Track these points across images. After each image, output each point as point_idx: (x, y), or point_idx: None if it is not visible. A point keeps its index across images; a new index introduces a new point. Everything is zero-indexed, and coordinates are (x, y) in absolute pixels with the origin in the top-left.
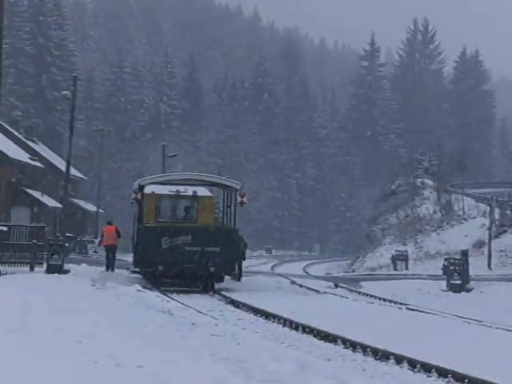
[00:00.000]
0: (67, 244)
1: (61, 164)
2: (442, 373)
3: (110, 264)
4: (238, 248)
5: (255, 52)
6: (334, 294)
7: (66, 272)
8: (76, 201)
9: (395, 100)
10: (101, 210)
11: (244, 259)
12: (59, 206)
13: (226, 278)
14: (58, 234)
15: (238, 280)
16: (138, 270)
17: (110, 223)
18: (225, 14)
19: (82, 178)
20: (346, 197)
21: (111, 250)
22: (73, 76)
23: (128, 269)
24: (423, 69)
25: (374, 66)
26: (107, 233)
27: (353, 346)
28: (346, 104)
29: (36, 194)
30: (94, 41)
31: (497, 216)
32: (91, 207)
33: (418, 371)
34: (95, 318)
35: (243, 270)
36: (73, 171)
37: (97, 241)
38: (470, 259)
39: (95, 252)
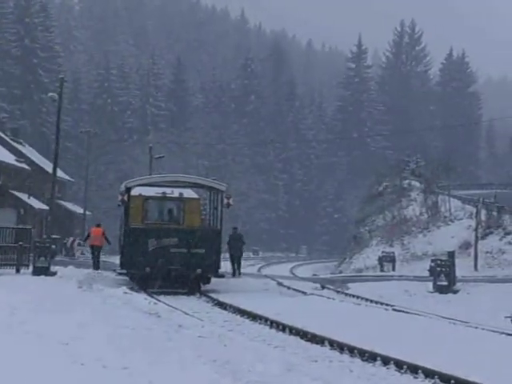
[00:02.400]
0: (54, 246)
1: (47, 166)
2: (429, 374)
3: (95, 263)
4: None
5: (242, 54)
6: (320, 296)
7: (53, 274)
8: (63, 203)
9: (382, 102)
10: (88, 212)
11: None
12: (46, 207)
13: (213, 279)
14: (45, 236)
15: (239, 275)
16: (124, 271)
17: (98, 226)
18: (212, 16)
19: (68, 180)
20: (333, 198)
21: (96, 250)
22: (59, 78)
23: (115, 271)
24: (410, 70)
25: (361, 67)
26: (94, 233)
27: (340, 347)
28: (333, 106)
29: (23, 196)
30: (81, 42)
31: (483, 217)
32: (78, 209)
33: (405, 372)
34: (82, 320)
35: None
36: (59, 173)
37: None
38: (457, 260)
39: (82, 254)
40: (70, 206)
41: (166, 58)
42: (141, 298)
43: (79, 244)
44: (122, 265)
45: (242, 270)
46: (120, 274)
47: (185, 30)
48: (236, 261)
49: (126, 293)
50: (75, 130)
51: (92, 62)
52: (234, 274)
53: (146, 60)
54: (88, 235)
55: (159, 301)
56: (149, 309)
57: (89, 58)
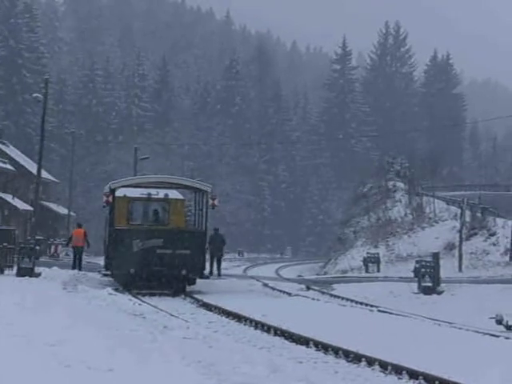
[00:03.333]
0: (38, 247)
1: (32, 167)
2: (413, 374)
3: (77, 264)
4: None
5: (227, 55)
6: (305, 297)
7: (37, 275)
8: (47, 204)
9: (367, 103)
10: (72, 213)
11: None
12: (30, 208)
13: (198, 280)
14: (29, 237)
15: (219, 276)
16: (109, 272)
17: (79, 226)
18: (197, 17)
19: (53, 181)
20: (318, 199)
21: (78, 251)
22: (44, 78)
23: (99, 272)
24: (395, 72)
25: (345, 69)
26: (76, 234)
27: (325, 348)
28: (318, 107)
29: (7, 197)
30: (66, 43)
31: (468, 219)
32: (62, 210)
33: (390, 373)
34: (66, 322)
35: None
36: (44, 174)
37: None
38: (441, 262)
39: (66, 255)
40: (54, 206)
41: (151, 59)
42: (126, 299)
43: (63, 246)
44: (106, 266)
45: (227, 272)
46: (105, 275)
47: (170, 31)
48: (217, 261)
49: (110, 294)
50: (60, 130)
51: (77, 63)
52: (211, 274)
53: (131, 61)
54: (70, 238)
55: (144, 302)
56: (134, 310)
57: (74, 59)
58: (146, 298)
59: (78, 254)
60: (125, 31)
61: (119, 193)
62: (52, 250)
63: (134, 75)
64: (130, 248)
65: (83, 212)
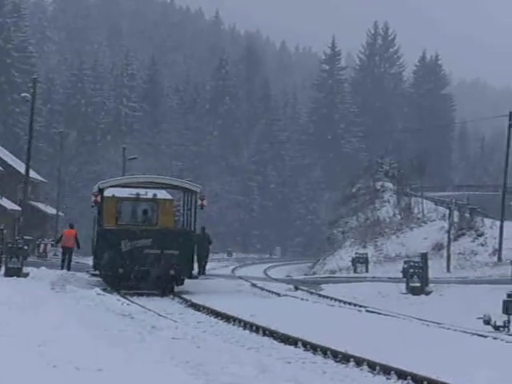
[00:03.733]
0: (26, 247)
1: (20, 166)
2: (402, 375)
3: (65, 264)
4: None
5: (216, 55)
6: (294, 297)
7: (25, 275)
8: (35, 204)
9: (356, 103)
10: (60, 213)
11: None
12: (18, 208)
13: (187, 280)
14: (17, 237)
15: (203, 274)
16: (97, 273)
17: (71, 226)
18: (186, 17)
19: (41, 181)
20: (307, 200)
21: (68, 252)
22: (32, 78)
23: (88, 272)
24: (383, 72)
25: (334, 69)
26: (66, 235)
27: (313, 348)
28: (307, 107)
29: None
30: (54, 43)
31: (456, 219)
32: (51, 210)
33: (378, 373)
34: (55, 322)
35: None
36: (32, 174)
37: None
38: (430, 262)
39: (55, 255)
40: (42, 206)
41: (140, 58)
42: (114, 300)
43: (52, 245)
44: (95, 266)
45: (216, 272)
46: (93, 275)
47: (159, 31)
48: (202, 261)
49: (99, 294)
50: (48, 130)
51: (65, 63)
52: (199, 273)
53: (119, 61)
54: (60, 237)
55: (132, 302)
56: (122, 310)
57: (62, 59)
58: (135, 298)
59: (67, 254)
60: (113, 31)
61: (108, 193)
62: (41, 249)
63: (122, 75)
64: (119, 248)
65: (72, 212)
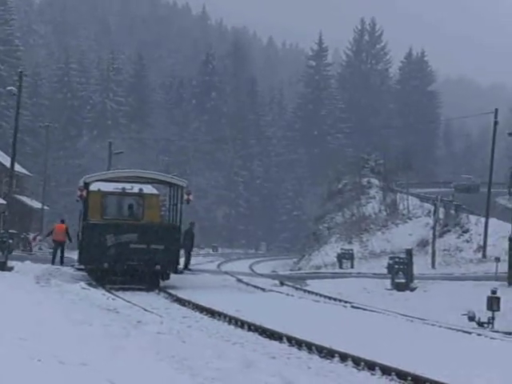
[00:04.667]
0: (11, 241)
1: (5, 160)
2: (386, 370)
3: (58, 259)
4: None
5: (203, 50)
6: (279, 292)
7: (10, 269)
8: (21, 197)
9: (342, 99)
10: (46, 207)
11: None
12: (3, 202)
13: (172, 275)
14: (2, 231)
15: (186, 268)
16: (83, 267)
17: (62, 221)
18: (173, 12)
19: (26, 175)
20: (293, 195)
21: (60, 246)
22: (18, 71)
23: (73, 266)
24: (370, 69)
25: (321, 65)
26: (57, 229)
27: (298, 343)
28: (294, 103)
29: None
30: (41, 36)
31: (441, 215)
32: (36, 204)
33: (363, 369)
34: (39, 316)
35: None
36: (17, 167)
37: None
38: (415, 258)
39: (40, 249)
40: (28, 200)
41: (126, 53)
42: (99, 294)
43: (40, 240)
44: (80, 260)
45: (201, 267)
46: (78, 269)
47: (146, 26)
48: (186, 254)
49: (84, 288)
50: (34, 124)
51: (52, 57)
52: (185, 268)
53: (106, 55)
54: (51, 231)
55: (118, 297)
56: (107, 304)
57: (49, 53)
58: (120, 293)
59: (59, 248)
60: (100, 25)
61: (93, 187)
62: (31, 237)
63: (108, 69)
64: (104, 242)
65: (57, 206)
